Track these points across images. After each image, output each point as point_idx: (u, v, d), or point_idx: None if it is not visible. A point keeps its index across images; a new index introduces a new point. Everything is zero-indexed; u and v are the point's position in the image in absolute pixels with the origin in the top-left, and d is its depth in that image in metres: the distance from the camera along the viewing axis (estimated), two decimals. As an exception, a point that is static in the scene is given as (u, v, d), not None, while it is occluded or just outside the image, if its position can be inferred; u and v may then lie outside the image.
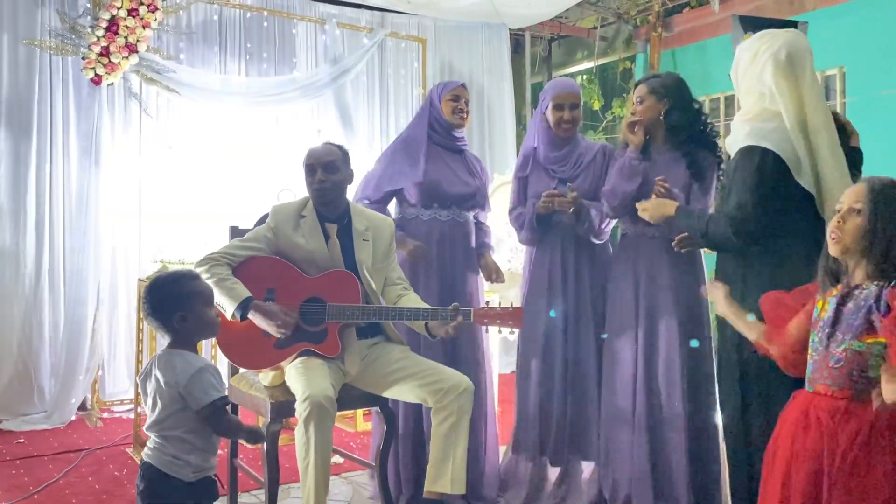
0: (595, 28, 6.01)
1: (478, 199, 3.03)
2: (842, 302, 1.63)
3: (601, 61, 6.09)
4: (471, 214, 3.04)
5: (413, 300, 2.62)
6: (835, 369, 1.60)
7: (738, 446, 2.21)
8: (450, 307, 2.45)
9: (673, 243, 2.54)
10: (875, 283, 1.59)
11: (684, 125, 2.72)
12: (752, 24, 2.51)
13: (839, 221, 1.65)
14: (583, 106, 3.10)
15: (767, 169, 2.09)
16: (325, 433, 2.30)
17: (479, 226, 3.12)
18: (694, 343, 2.65)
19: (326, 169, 2.59)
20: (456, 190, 2.95)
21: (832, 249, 1.67)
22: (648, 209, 2.48)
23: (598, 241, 2.92)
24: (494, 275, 3.06)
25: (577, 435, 2.86)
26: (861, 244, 1.62)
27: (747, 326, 1.90)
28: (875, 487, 1.51)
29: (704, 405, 2.66)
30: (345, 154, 2.67)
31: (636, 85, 2.84)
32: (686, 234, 2.48)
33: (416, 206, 2.94)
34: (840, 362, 1.60)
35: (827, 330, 1.63)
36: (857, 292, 1.61)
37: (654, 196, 2.55)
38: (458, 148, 3.05)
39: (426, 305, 2.58)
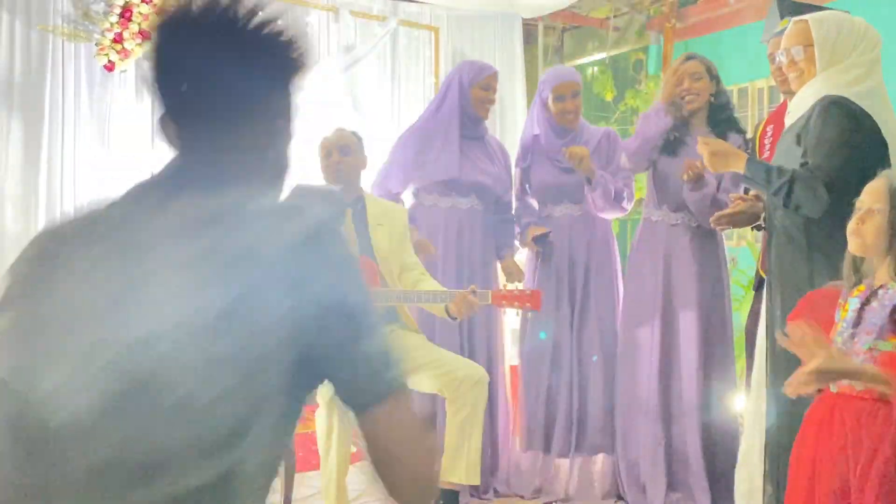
0: (608, 18, 5.97)
1: (497, 188, 2.98)
2: (866, 302, 1.61)
3: (614, 52, 6.05)
4: (490, 205, 3.02)
5: (431, 284, 2.61)
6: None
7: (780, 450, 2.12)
8: (468, 290, 2.45)
9: (711, 219, 2.41)
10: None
11: (727, 108, 2.73)
12: (791, 8, 2.48)
13: (859, 221, 1.63)
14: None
15: (869, 137, 2.01)
16: (347, 418, 2.30)
17: (504, 221, 3.04)
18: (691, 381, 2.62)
19: (342, 151, 2.61)
20: (474, 178, 2.91)
21: (853, 248, 1.65)
22: (710, 144, 2.25)
23: (611, 215, 2.90)
24: (515, 277, 3.02)
25: (585, 427, 2.85)
26: (883, 244, 1.59)
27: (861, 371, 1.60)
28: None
29: (722, 393, 2.66)
30: (359, 139, 2.69)
31: (688, 59, 2.74)
32: (725, 212, 2.36)
33: (433, 194, 2.92)
34: (864, 362, 1.58)
35: (850, 330, 1.61)
36: (881, 292, 1.59)
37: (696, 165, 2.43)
38: (479, 135, 2.99)
39: (444, 290, 2.58)
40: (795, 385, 1.54)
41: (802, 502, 1.60)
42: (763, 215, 2.35)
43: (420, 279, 2.63)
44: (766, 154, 2.52)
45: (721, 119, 2.70)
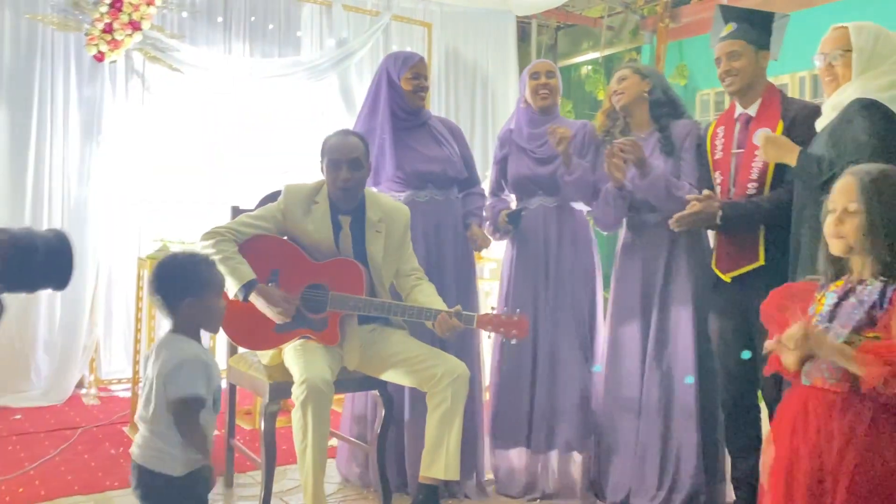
0: (602, 17, 5.97)
1: (449, 170, 2.84)
2: (843, 296, 1.61)
3: (607, 51, 6.05)
4: (452, 191, 2.90)
5: (426, 291, 2.56)
6: (833, 362, 1.58)
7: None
8: (452, 310, 2.40)
9: (670, 222, 2.46)
10: (880, 278, 1.57)
11: (668, 103, 2.73)
12: (735, 15, 2.52)
13: (838, 222, 1.63)
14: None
15: None
16: (322, 416, 2.29)
17: (471, 194, 2.95)
18: (688, 380, 2.63)
19: (352, 166, 2.49)
20: (422, 168, 2.80)
21: (835, 249, 1.64)
22: (771, 137, 2.27)
23: (583, 206, 2.89)
24: (480, 242, 2.89)
25: (557, 425, 2.83)
26: (866, 243, 1.59)
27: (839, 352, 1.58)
28: (882, 485, 1.48)
29: (714, 392, 2.65)
30: (366, 146, 2.57)
31: (616, 71, 2.85)
32: (683, 214, 2.41)
33: (392, 191, 2.83)
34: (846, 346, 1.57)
35: (825, 324, 1.61)
36: (859, 288, 1.59)
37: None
38: (420, 122, 2.87)
39: (438, 299, 2.53)
40: (774, 344, 1.57)
41: (781, 497, 1.60)
42: (719, 215, 2.40)
43: (415, 286, 2.59)
44: (719, 155, 2.56)
45: (662, 113, 2.72)
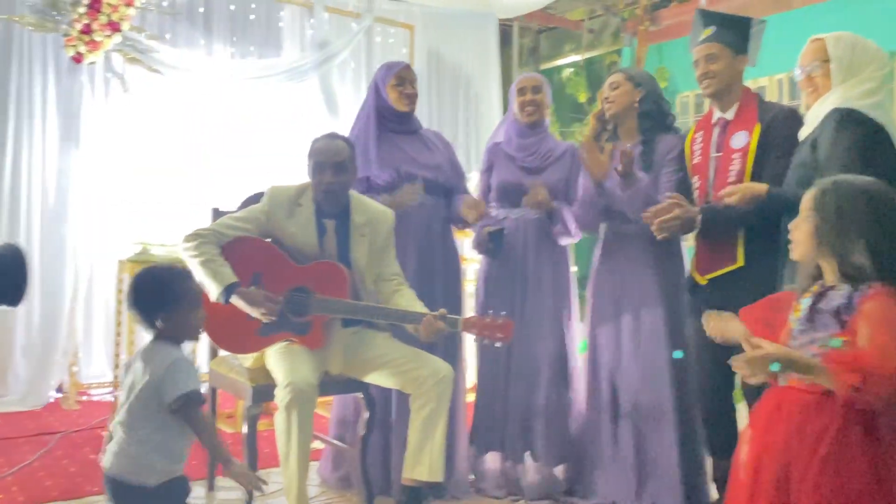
0: (583, 20, 6.01)
1: (440, 178, 2.88)
2: (817, 301, 1.63)
3: (588, 54, 6.09)
4: (441, 198, 2.91)
5: (407, 296, 2.56)
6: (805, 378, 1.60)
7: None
8: (437, 313, 2.40)
9: (652, 228, 2.44)
10: (848, 283, 1.59)
11: (657, 115, 2.74)
12: (714, 19, 2.56)
13: (794, 228, 1.67)
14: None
15: (882, 147, 2.07)
16: (306, 419, 2.29)
17: (458, 198, 2.93)
18: (677, 354, 2.63)
19: (336, 169, 2.49)
20: (415, 173, 2.82)
21: (792, 254, 1.70)
22: (738, 193, 2.29)
23: (571, 241, 2.92)
24: (476, 211, 2.79)
25: (531, 433, 2.84)
26: (810, 248, 1.63)
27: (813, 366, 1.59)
28: (846, 489, 1.50)
29: (690, 400, 2.67)
30: (352, 149, 2.57)
31: (609, 75, 2.85)
32: (664, 218, 2.40)
33: (382, 194, 2.85)
34: (815, 357, 1.60)
35: (801, 328, 1.64)
36: (831, 292, 1.61)
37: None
38: (412, 129, 2.93)
39: (419, 304, 2.52)
40: (741, 363, 1.56)
41: (746, 494, 1.62)
42: (698, 219, 2.42)
43: (396, 291, 2.59)
44: (697, 160, 2.59)
45: (649, 126, 2.72)
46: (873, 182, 1.62)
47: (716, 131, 2.56)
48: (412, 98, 2.89)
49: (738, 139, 2.47)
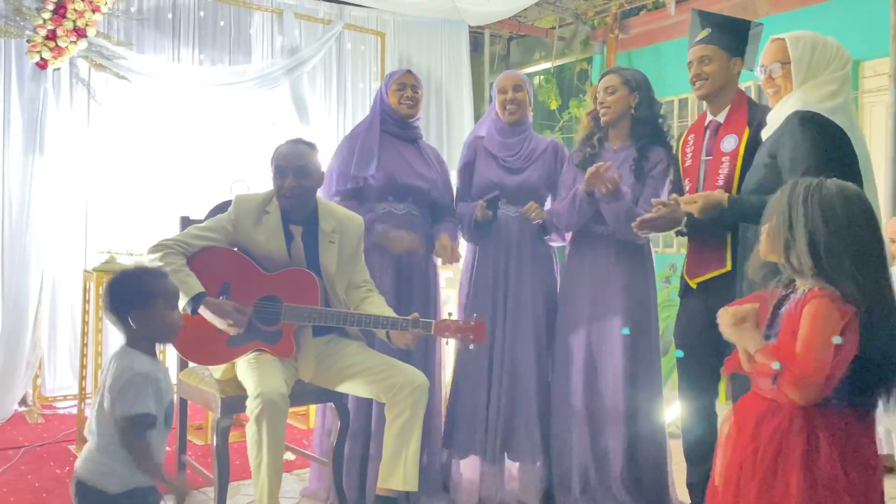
0: (553, 28, 6.05)
1: (433, 191, 2.94)
2: (779, 304, 1.65)
3: (559, 62, 6.13)
4: (427, 211, 2.95)
5: (377, 303, 2.55)
6: (773, 374, 1.60)
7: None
8: (409, 317, 2.39)
9: (633, 224, 2.43)
10: (804, 286, 1.59)
11: (651, 121, 2.75)
12: (711, 20, 2.54)
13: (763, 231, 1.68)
14: (539, 105, 3.10)
15: (841, 151, 2.05)
16: (277, 431, 2.25)
17: (446, 220, 2.97)
18: (625, 331, 2.65)
19: (298, 174, 2.47)
20: (411, 181, 2.86)
21: (760, 254, 1.69)
22: (699, 202, 2.29)
23: (562, 244, 2.94)
24: (449, 254, 2.84)
25: (511, 434, 2.84)
26: (767, 248, 1.64)
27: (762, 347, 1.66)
28: (773, 493, 1.52)
29: (647, 400, 2.69)
30: (315, 152, 2.56)
31: (604, 75, 2.81)
32: (647, 217, 2.39)
33: (371, 200, 2.87)
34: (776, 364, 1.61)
35: (765, 330, 1.65)
36: (792, 295, 1.63)
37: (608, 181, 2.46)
38: (412, 137, 2.98)
39: (389, 310, 2.52)
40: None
41: (719, 500, 1.63)
42: (684, 220, 2.42)
43: (365, 297, 2.58)
44: (689, 163, 2.59)
45: (643, 133, 2.72)
46: (833, 183, 1.59)
47: (707, 134, 2.55)
48: (412, 102, 2.93)
49: (728, 142, 2.46)
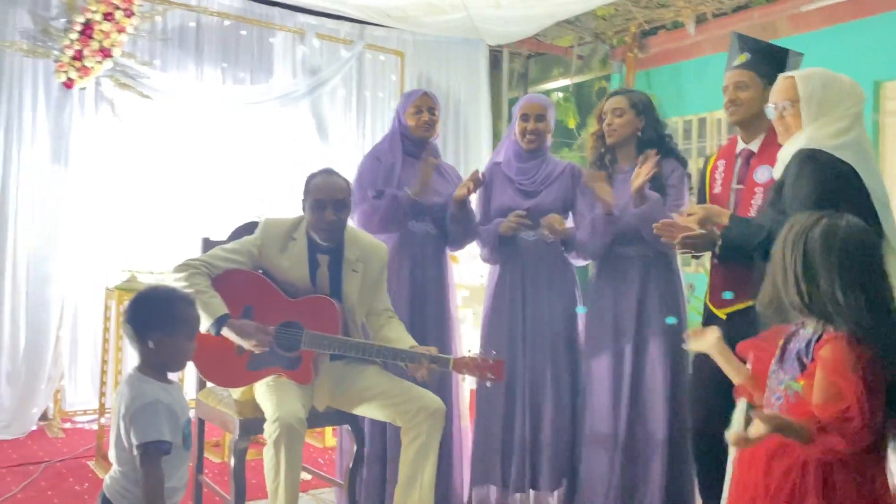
0: (572, 47, 6.06)
1: (448, 208, 2.91)
2: (788, 341, 1.63)
3: (577, 79, 6.14)
4: (442, 225, 2.94)
5: (396, 328, 2.57)
6: (776, 407, 1.60)
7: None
8: (428, 351, 2.40)
9: (675, 241, 2.35)
10: (813, 325, 1.58)
11: (657, 141, 2.74)
12: (751, 45, 2.48)
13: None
14: (557, 124, 3.08)
15: (846, 188, 2.01)
16: (295, 455, 2.27)
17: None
18: (667, 355, 2.62)
19: (336, 207, 2.49)
20: (429, 200, 2.88)
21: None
22: (698, 213, 2.27)
23: (584, 263, 2.92)
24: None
25: (534, 464, 2.83)
26: (776, 289, 1.61)
27: (735, 370, 1.79)
28: None
29: (683, 423, 2.66)
30: (349, 186, 2.60)
31: (611, 96, 2.80)
32: (688, 234, 2.31)
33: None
34: (780, 399, 1.60)
35: (773, 368, 1.64)
36: (801, 332, 1.61)
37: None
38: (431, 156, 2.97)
39: (408, 336, 2.53)
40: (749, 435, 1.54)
41: None
42: (719, 242, 2.33)
43: (384, 324, 2.60)
44: (718, 190, 2.54)
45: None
46: (828, 220, 1.56)
47: (738, 162, 2.49)
48: (429, 124, 2.95)
49: (762, 173, 2.39)
